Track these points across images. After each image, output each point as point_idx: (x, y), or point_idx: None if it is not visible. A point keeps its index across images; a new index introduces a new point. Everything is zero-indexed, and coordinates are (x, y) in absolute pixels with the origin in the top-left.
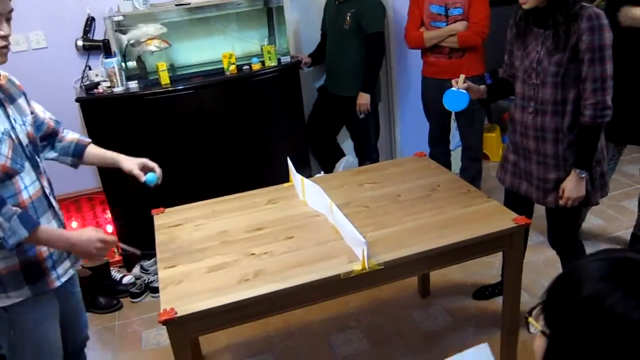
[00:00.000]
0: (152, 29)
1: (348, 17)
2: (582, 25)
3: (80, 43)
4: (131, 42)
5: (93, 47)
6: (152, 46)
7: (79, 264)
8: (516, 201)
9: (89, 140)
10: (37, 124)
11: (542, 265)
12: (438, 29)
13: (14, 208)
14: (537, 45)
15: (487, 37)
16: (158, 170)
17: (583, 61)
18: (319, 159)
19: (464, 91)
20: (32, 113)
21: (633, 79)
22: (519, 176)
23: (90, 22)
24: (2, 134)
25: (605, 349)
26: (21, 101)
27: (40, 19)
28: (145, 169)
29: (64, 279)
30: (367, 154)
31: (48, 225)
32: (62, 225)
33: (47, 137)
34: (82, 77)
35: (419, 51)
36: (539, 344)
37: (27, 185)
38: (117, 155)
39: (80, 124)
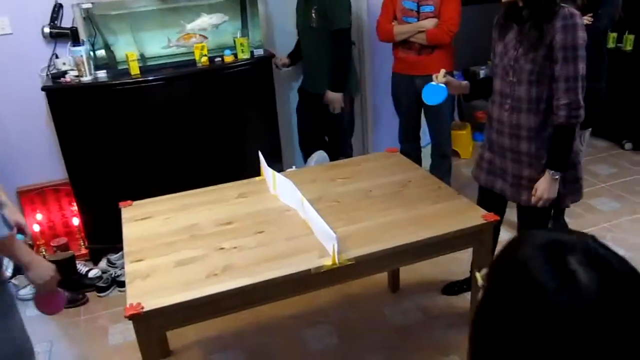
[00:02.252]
0: (215, 19)
1: (313, 14)
2: (556, 24)
3: (47, 30)
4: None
5: (60, 35)
6: (191, 41)
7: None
8: (490, 199)
9: None
10: None
11: None
12: (408, 24)
13: None
14: (516, 42)
15: (458, 35)
16: (28, 233)
17: (556, 60)
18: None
19: (443, 85)
20: None
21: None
22: (494, 173)
23: (57, 8)
24: None
25: (518, 309)
26: None
27: (5, 3)
28: (18, 228)
29: (9, 272)
30: (342, 150)
31: None
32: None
33: None
34: (49, 66)
35: (391, 46)
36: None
37: None
38: (3, 202)
39: (46, 113)
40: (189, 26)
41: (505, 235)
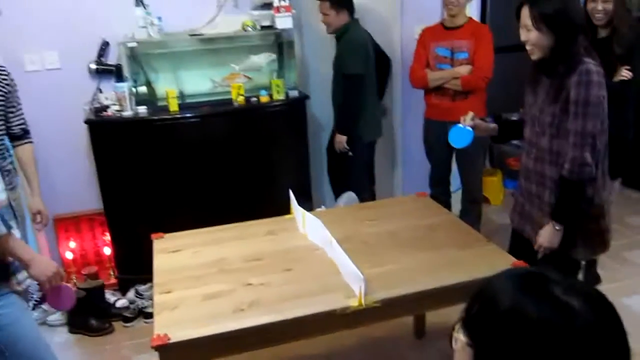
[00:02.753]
0: (263, 58)
1: (334, 57)
2: (572, 79)
3: (93, 66)
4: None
5: (105, 71)
6: (236, 80)
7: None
8: (522, 243)
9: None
10: None
11: None
12: (443, 70)
13: None
14: (543, 93)
15: (491, 82)
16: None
17: (570, 114)
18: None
19: (470, 128)
20: None
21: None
22: (525, 218)
23: (104, 46)
24: None
25: (530, 352)
26: None
27: (55, 39)
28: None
29: (24, 286)
30: (356, 192)
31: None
32: (25, 237)
33: None
34: (93, 100)
35: (423, 91)
36: (462, 356)
37: None
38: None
39: (87, 145)
40: (239, 67)
41: None
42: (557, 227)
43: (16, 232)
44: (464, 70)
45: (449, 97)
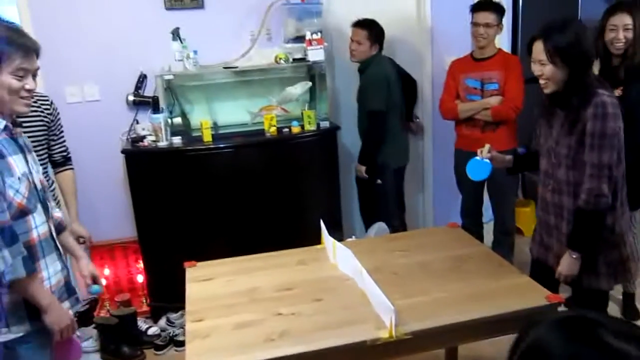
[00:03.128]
0: (299, 88)
1: (358, 89)
2: (588, 111)
3: (131, 98)
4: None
5: (142, 103)
6: (272, 112)
7: (79, 306)
8: (542, 274)
9: (65, 224)
10: None
11: None
12: (473, 101)
13: (23, 248)
14: (558, 126)
15: (522, 112)
16: (101, 284)
17: (586, 146)
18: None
19: (487, 161)
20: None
21: None
22: (545, 248)
23: (142, 79)
24: (22, 175)
25: None
26: (34, 154)
27: (96, 73)
28: (93, 280)
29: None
30: (385, 219)
31: (52, 266)
32: (66, 267)
33: None
34: (129, 130)
35: (454, 122)
36: None
37: (37, 224)
38: (80, 255)
39: (123, 174)
40: (276, 99)
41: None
42: (574, 256)
43: (57, 264)
44: (494, 101)
45: (479, 127)
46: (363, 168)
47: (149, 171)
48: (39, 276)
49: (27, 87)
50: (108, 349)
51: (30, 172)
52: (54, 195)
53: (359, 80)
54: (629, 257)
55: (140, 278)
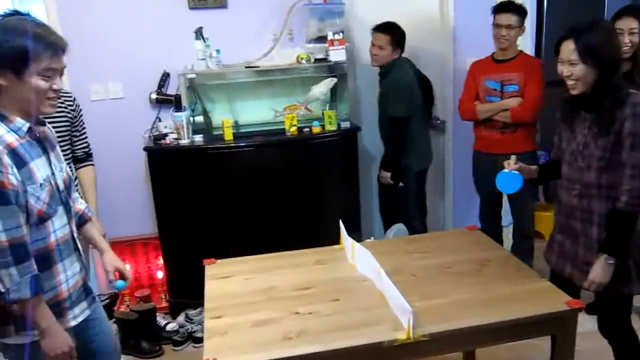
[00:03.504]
0: (324, 86)
1: (379, 94)
2: (625, 111)
3: (154, 96)
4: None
5: (165, 101)
6: (296, 112)
7: (95, 305)
8: (562, 283)
9: (91, 215)
10: None
11: (594, 353)
12: (492, 102)
13: (35, 267)
14: (584, 128)
15: (542, 116)
16: (128, 278)
17: (624, 147)
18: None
19: (517, 172)
20: None
21: None
22: (564, 257)
23: (165, 77)
24: (44, 180)
25: None
26: (58, 148)
27: (120, 71)
28: (120, 275)
29: (80, 319)
30: (406, 221)
31: (71, 268)
32: (85, 268)
33: None
34: (152, 128)
35: (472, 124)
36: None
37: (56, 228)
38: (104, 248)
39: (145, 171)
40: (302, 100)
41: (590, 325)
42: (610, 261)
43: (76, 265)
44: (513, 102)
45: (497, 129)
46: (388, 175)
47: (171, 169)
48: (44, 298)
49: (55, 87)
50: (127, 343)
51: (53, 174)
52: (76, 187)
53: (379, 83)
54: None
55: (160, 274)
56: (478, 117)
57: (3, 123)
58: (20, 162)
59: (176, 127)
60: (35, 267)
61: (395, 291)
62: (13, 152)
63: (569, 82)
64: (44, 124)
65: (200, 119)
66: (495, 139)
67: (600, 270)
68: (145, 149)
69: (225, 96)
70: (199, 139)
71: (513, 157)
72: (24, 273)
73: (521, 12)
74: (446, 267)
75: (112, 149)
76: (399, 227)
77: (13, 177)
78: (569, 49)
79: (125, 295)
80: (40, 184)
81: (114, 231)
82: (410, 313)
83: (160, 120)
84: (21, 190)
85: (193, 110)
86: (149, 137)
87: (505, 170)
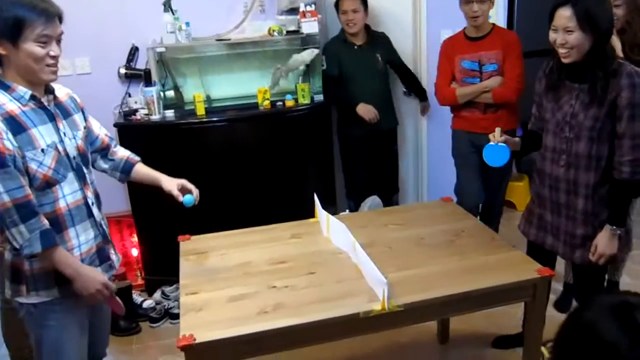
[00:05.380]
0: (307, 54)
1: (379, 58)
2: (621, 82)
3: (122, 71)
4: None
5: (134, 76)
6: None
7: (112, 272)
8: (539, 254)
9: (138, 158)
10: (92, 139)
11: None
12: (471, 85)
13: (44, 222)
14: (571, 98)
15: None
16: (195, 192)
17: (621, 117)
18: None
19: (504, 144)
20: (85, 128)
21: None
22: (545, 229)
23: (133, 51)
24: (48, 146)
25: None
26: (77, 117)
27: (86, 45)
28: (184, 190)
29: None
30: (396, 186)
31: (84, 234)
32: (104, 236)
33: (100, 151)
34: (122, 104)
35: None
36: None
37: (65, 194)
38: (160, 175)
39: None
40: (284, 67)
41: (555, 286)
42: (618, 232)
43: (90, 232)
44: (494, 82)
45: (480, 110)
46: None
47: (142, 145)
48: (60, 248)
49: (52, 53)
50: None
51: (62, 140)
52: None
53: (361, 55)
54: (631, 229)
55: (134, 252)
56: (458, 101)
57: (6, 92)
58: (18, 128)
59: (147, 103)
60: (44, 222)
61: (370, 263)
62: (12, 119)
63: (562, 51)
64: (52, 92)
65: (171, 93)
66: (476, 119)
67: (607, 241)
68: (115, 125)
69: (196, 70)
70: (170, 114)
71: (498, 130)
72: (32, 229)
73: None
74: (421, 239)
75: None
76: (373, 200)
77: (8, 142)
78: (565, 15)
79: None
80: (42, 150)
81: None
82: (385, 284)
83: (130, 96)
84: (18, 156)
85: (163, 85)
86: (119, 113)
87: (491, 142)
